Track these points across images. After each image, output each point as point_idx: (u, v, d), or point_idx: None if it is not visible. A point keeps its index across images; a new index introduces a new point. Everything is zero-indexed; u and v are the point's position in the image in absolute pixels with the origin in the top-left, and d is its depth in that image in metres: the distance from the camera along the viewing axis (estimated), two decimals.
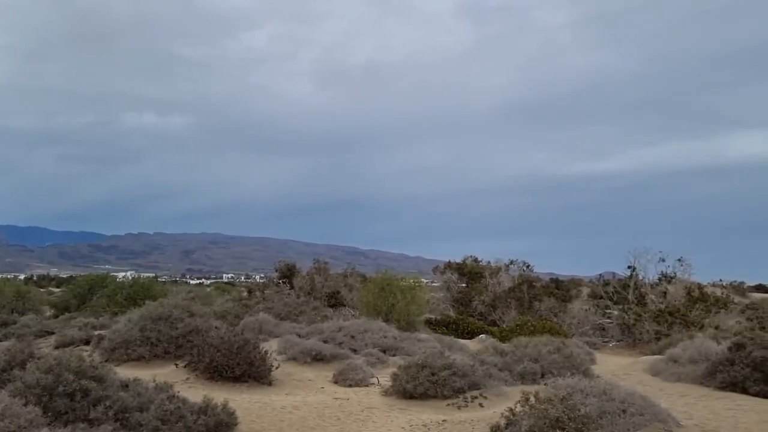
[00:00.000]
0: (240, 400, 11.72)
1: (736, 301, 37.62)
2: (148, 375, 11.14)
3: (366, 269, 41.34)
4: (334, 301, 28.28)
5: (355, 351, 16.83)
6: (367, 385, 14.02)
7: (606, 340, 27.31)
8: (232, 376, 13.38)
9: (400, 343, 17.72)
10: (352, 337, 17.70)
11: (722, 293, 32.38)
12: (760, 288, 66.84)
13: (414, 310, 23.35)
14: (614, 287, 31.36)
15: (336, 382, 14.32)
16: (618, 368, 17.43)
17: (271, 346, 16.07)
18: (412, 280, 25.14)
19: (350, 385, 14.00)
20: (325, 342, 16.98)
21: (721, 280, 53.39)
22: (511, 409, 9.24)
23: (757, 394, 13.20)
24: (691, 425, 10.46)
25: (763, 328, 22.91)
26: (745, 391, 13.43)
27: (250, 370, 13.50)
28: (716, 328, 23.16)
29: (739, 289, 58.13)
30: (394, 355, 16.81)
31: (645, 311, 26.91)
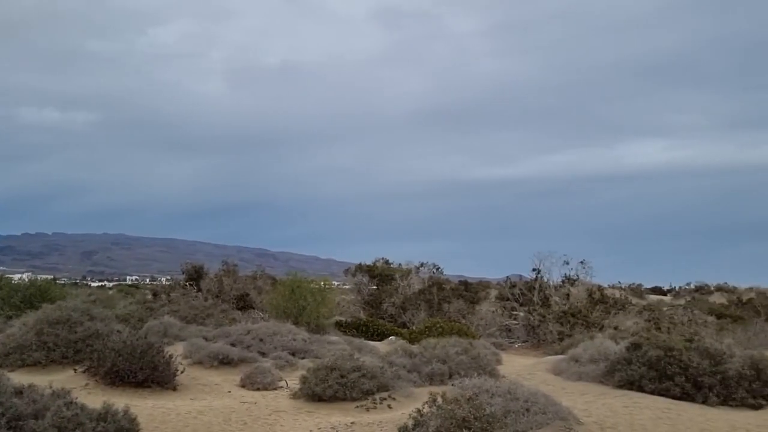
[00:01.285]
0: (142, 405, 11.35)
1: (634, 302, 39.24)
2: (44, 381, 10.62)
3: (276, 271, 40.92)
4: (243, 303, 27.82)
5: (263, 354, 16.61)
6: (275, 389, 13.85)
7: (512, 340, 27.98)
8: (135, 381, 12.97)
9: (309, 346, 17.60)
10: (261, 340, 17.46)
11: (621, 295, 33.77)
12: (656, 290, 70.03)
13: (324, 313, 23.26)
14: (520, 289, 32.15)
15: (243, 386, 14.08)
16: (523, 368, 17.85)
17: (176, 349, 15.64)
18: (322, 283, 25.03)
19: (258, 389, 13.80)
20: (233, 345, 16.68)
21: (619, 282, 55.80)
22: (418, 410, 9.30)
23: (652, 392, 13.77)
24: (590, 423, 10.81)
25: (659, 328, 23.95)
26: (641, 389, 13.99)
27: (153, 375, 13.11)
28: (615, 328, 24.06)
29: (637, 290, 60.75)
30: (303, 358, 16.69)
31: (549, 312, 27.72)
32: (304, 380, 13.05)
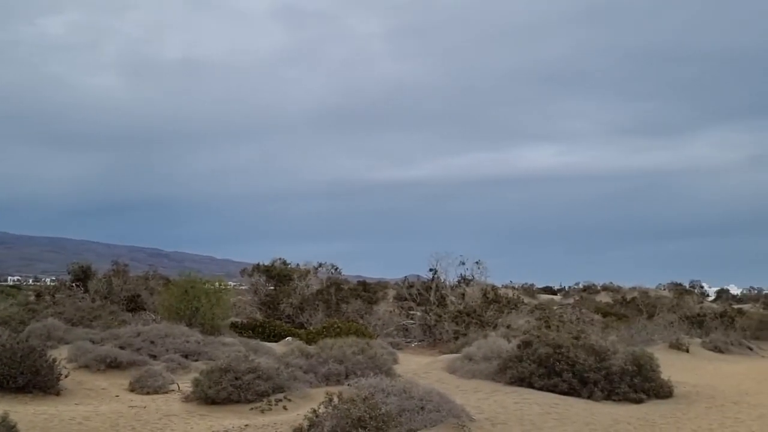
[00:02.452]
0: (23, 412, 10.74)
1: (526, 301, 40.54)
2: None
3: (170, 272, 39.72)
4: (134, 305, 26.88)
5: (154, 357, 16.07)
6: (166, 392, 13.42)
7: (409, 340, 28.30)
8: (15, 386, 12.29)
9: (203, 348, 17.17)
10: (152, 342, 16.88)
11: (514, 295, 34.80)
12: (547, 289, 72.66)
13: (219, 314, 22.75)
14: (418, 289, 32.60)
15: (133, 390, 13.58)
16: (419, 367, 18.06)
17: (60, 353, 14.90)
18: (217, 283, 24.46)
19: (148, 393, 13.33)
20: (122, 348, 16.05)
21: (512, 282, 57.56)
22: (314, 411, 9.24)
23: (541, 388, 14.24)
24: (482, 419, 11.05)
25: (549, 327, 24.79)
26: (531, 385, 14.44)
27: (35, 380, 12.46)
28: (508, 327, 24.74)
29: (529, 290, 62.87)
30: (196, 360, 16.25)
31: (445, 312, 28.21)
32: (196, 383, 12.71)
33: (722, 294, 69.02)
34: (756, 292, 68.36)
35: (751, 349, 29.63)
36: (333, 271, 36.47)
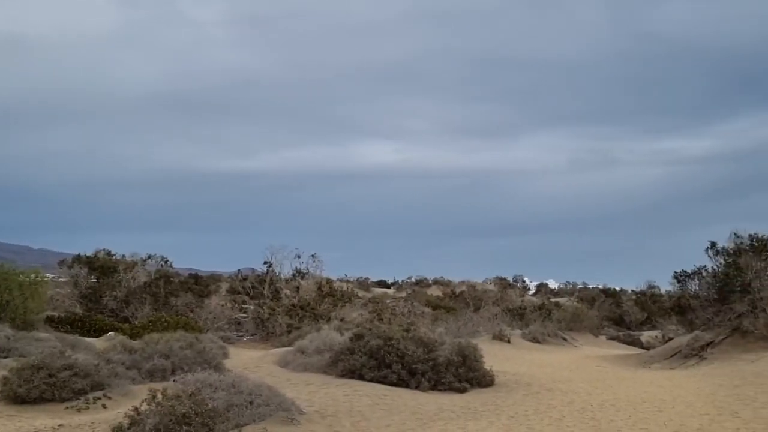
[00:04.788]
0: None
1: (360, 295, 41.22)
2: None
3: None
4: None
5: None
6: None
7: (241, 334, 27.82)
8: None
9: (13, 344, 15.88)
10: None
11: (348, 288, 35.16)
12: (381, 283, 74.15)
13: (33, 308, 21.17)
14: (252, 283, 32.09)
15: None
16: (250, 361, 17.77)
17: None
18: (33, 275, 22.71)
19: None
20: None
21: (346, 276, 58.23)
22: (135, 408, 8.79)
23: (372, 380, 14.47)
24: (312, 412, 11.03)
25: (381, 319, 25.30)
26: (362, 377, 14.63)
27: None
28: (341, 320, 24.97)
29: (364, 284, 63.92)
30: (6, 357, 15.00)
31: (279, 305, 27.98)
32: (5, 381, 11.78)
33: (542, 288, 73.58)
34: (571, 286, 73.43)
35: (565, 339, 31.87)
36: (162, 264, 35.05)
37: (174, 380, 11.53)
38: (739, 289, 22.51)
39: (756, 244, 23.55)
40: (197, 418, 8.58)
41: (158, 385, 10.16)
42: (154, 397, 8.87)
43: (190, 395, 9.00)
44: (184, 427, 8.46)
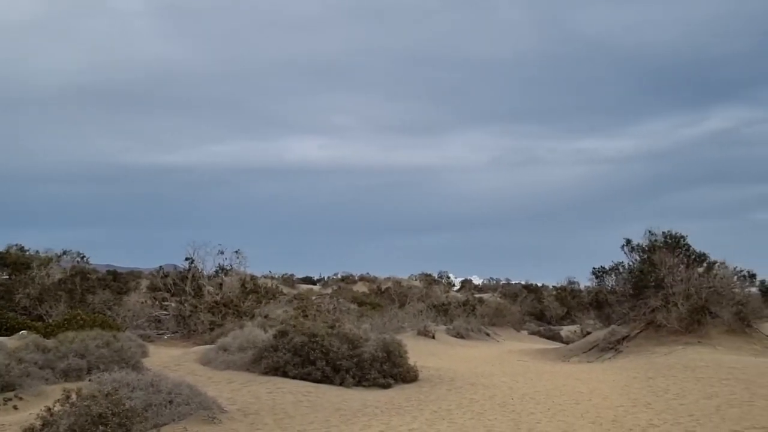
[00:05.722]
0: None
1: (285, 291, 40.86)
2: None
3: None
4: None
5: None
6: None
7: (162, 332, 27.14)
8: None
9: None
10: None
11: (273, 285, 34.83)
12: (307, 280, 73.73)
13: None
14: (173, 279, 31.36)
15: None
16: (170, 360, 17.36)
17: None
18: None
19: None
20: None
21: (271, 272, 57.67)
22: (49, 409, 8.48)
23: (296, 377, 14.38)
24: (234, 410, 10.87)
25: (306, 316, 25.13)
26: (286, 374, 14.52)
27: None
28: (265, 317, 24.68)
29: (289, 280, 63.39)
30: None
31: (201, 303, 27.45)
32: None
33: (466, 284, 74.58)
34: (495, 282, 74.69)
35: (488, 335, 32.47)
36: (79, 260, 33.93)
37: (90, 380, 11.19)
38: (653, 284, 23.41)
39: (669, 241, 24.55)
40: (114, 419, 8.34)
41: (73, 385, 9.81)
42: (68, 397, 8.60)
43: (107, 395, 8.74)
44: (100, 427, 8.22)
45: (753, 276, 25.46)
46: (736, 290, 23.35)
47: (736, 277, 24.05)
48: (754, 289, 26.24)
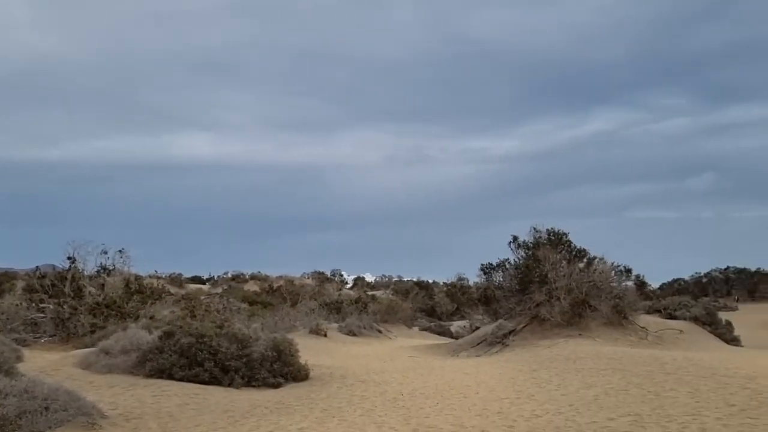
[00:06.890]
0: None
1: (173, 291, 39.74)
2: None
3: None
4: None
5: None
6: None
7: (38, 335, 25.76)
8: None
9: None
10: None
11: (159, 284, 33.78)
12: (196, 279, 72.11)
13: None
14: (51, 280, 29.81)
15: None
16: (48, 364, 16.49)
17: None
18: None
19: None
20: None
21: (157, 272, 56.00)
22: None
23: (182, 379, 13.97)
24: (116, 415, 10.44)
25: (194, 316, 24.49)
26: (171, 377, 14.08)
27: None
28: (151, 318, 23.90)
29: (177, 280, 61.82)
30: None
31: (82, 304, 26.26)
32: None
33: (359, 281, 75.13)
34: (387, 279, 75.59)
35: (380, 331, 32.76)
36: None
37: None
38: (537, 279, 24.28)
39: (552, 237, 25.56)
40: None
41: None
42: None
43: None
44: None
45: (629, 271, 26.96)
46: (614, 284, 24.57)
47: (613, 272, 25.32)
48: (630, 283, 27.78)
